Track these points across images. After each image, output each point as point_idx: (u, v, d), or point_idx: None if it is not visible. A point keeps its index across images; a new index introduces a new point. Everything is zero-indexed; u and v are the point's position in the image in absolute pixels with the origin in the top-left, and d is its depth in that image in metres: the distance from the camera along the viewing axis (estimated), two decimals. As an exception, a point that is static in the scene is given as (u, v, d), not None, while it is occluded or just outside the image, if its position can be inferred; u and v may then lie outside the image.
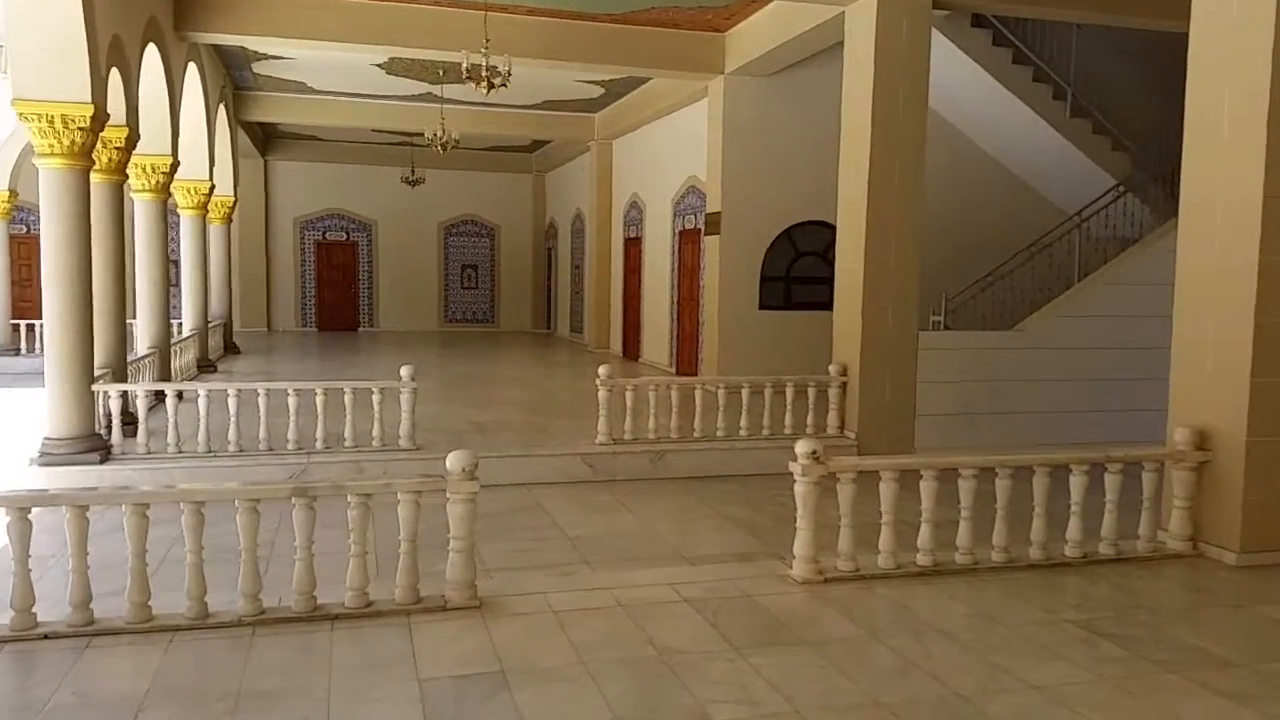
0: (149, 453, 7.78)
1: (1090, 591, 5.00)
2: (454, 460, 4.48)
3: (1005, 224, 13.15)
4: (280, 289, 23.19)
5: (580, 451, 8.45)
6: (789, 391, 9.12)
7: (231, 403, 7.89)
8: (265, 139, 22.36)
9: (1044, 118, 12.06)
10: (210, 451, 7.83)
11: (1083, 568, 5.29)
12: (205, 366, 14.12)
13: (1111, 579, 5.15)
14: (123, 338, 9.33)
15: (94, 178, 8.37)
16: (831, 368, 9.21)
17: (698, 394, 8.90)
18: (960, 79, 11.58)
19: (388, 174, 22.39)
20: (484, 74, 9.70)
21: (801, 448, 4.83)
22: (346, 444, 8.10)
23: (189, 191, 13.62)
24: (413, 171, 20.68)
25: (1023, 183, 13.59)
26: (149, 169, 10.57)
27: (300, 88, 16.44)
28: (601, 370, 8.61)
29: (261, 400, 7.99)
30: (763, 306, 12.87)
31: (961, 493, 5.13)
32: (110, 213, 9.21)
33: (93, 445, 7.61)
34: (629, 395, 8.70)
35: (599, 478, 8.38)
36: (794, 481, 4.94)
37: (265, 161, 22.72)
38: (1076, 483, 5.30)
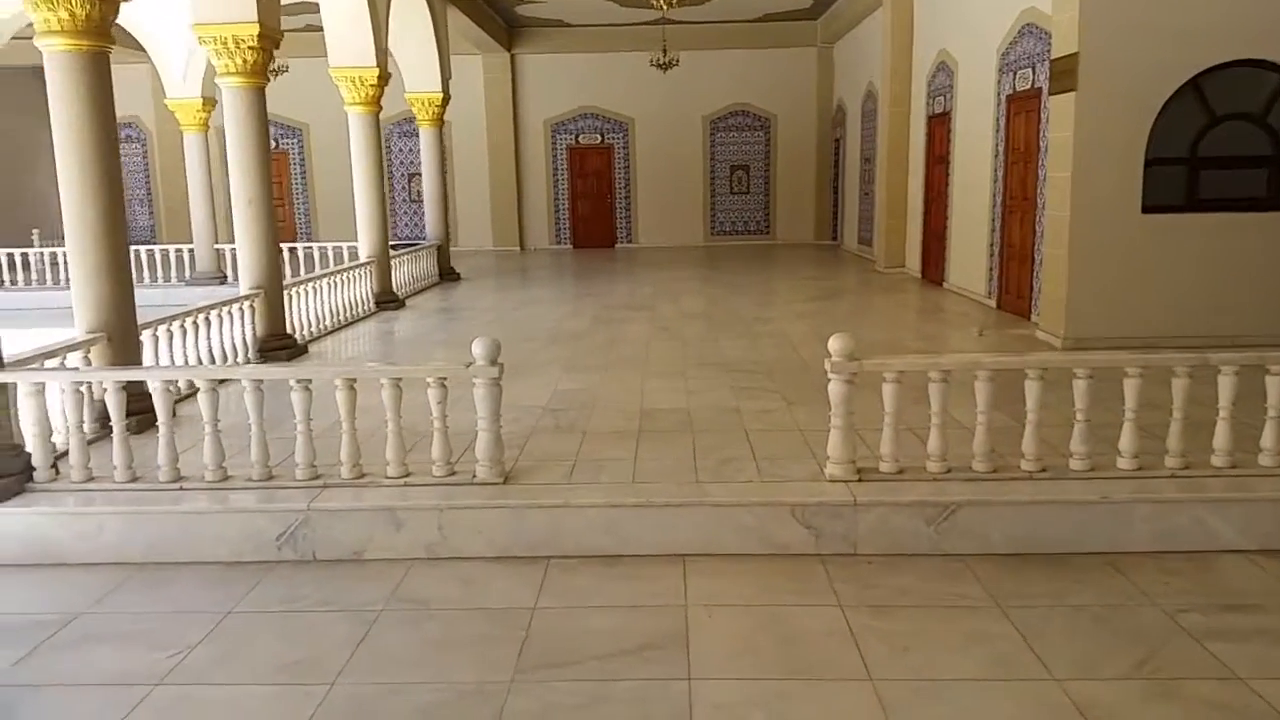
0: (88, 480, 4.85)
1: None
2: None
3: None
4: (532, 203, 20.69)
5: (791, 499, 4.48)
6: (1225, 382, 4.52)
7: (204, 402, 4.76)
8: (509, 30, 19.62)
9: None
10: (175, 481, 4.78)
11: None
12: (388, 303, 11.56)
13: None
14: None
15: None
16: (1325, 334, 4.45)
17: (1032, 387, 4.57)
18: None
19: (643, 61, 18.80)
20: None
21: None
22: (390, 471, 4.74)
23: (354, 83, 10.89)
24: (664, 53, 16.95)
25: None
26: (228, 41, 7.71)
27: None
28: (834, 343, 4.53)
29: (243, 398, 4.78)
30: (1148, 208, 7.90)
31: None
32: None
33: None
34: (889, 389, 4.57)
35: (824, 551, 4.41)
36: None
37: (512, 56, 20.02)
38: None
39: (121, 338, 5.95)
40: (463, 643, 3.69)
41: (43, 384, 4.77)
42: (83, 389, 4.84)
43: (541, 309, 11.52)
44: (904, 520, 4.40)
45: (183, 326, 7.02)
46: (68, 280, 6.04)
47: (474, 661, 3.53)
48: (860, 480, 4.57)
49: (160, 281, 15.29)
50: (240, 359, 7.89)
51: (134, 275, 14.93)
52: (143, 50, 14.64)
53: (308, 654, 3.65)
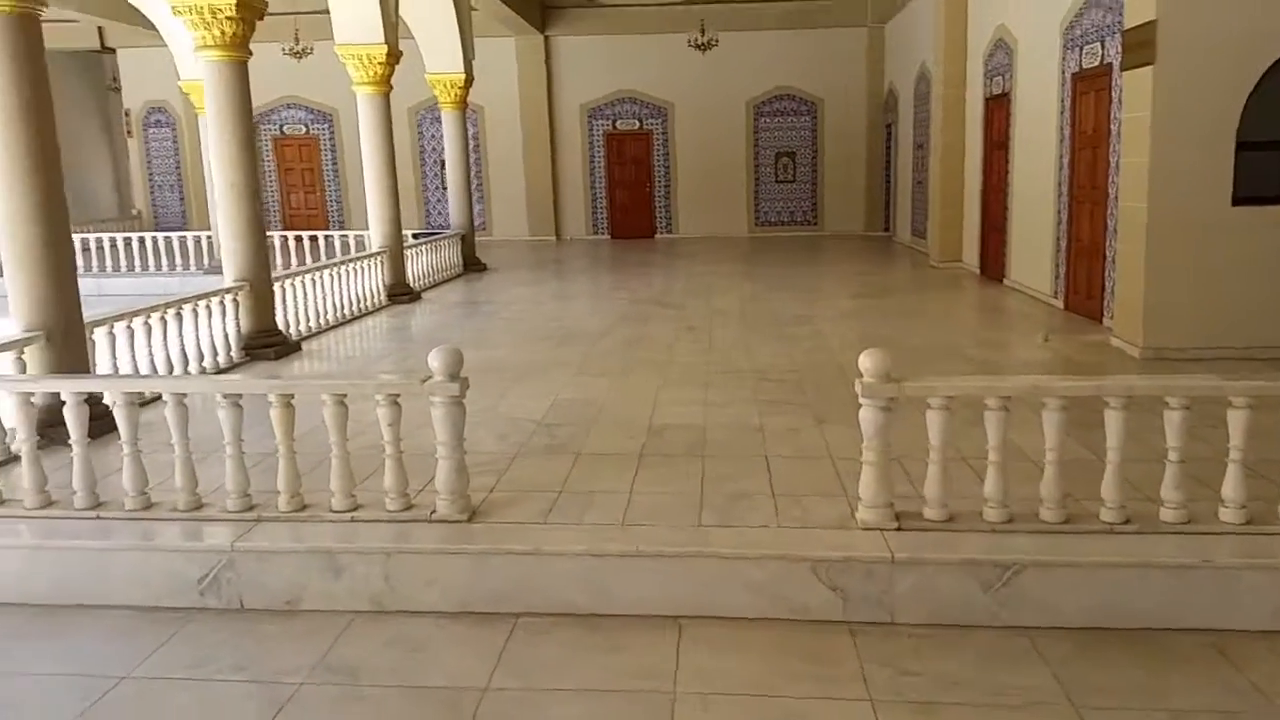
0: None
1: None
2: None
3: None
4: (569, 191, 19.91)
5: (813, 553, 3.65)
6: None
7: (121, 418, 4.06)
8: (543, 10, 18.86)
9: None
10: (92, 509, 4.10)
11: None
12: (401, 295, 10.88)
13: None
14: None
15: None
16: None
17: (1114, 418, 3.68)
18: None
19: (681, 42, 17.92)
20: None
21: None
22: (335, 504, 4.01)
23: (361, 61, 10.21)
24: (702, 32, 16.07)
25: None
26: (203, 11, 7.03)
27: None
28: (866, 361, 3.69)
29: (166, 414, 4.07)
30: (1240, 199, 6.88)
31: None
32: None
33: None
34: (936, 417, 3.71)
35: (853, 618, 3.58)
36: None
37: (546, 39, 19.25)
38: None
39: (63, 337, 5.29)
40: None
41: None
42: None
43: (565, 304, 10.77)
44: (953, 582, 3.55)
45: (146, 323, 6.36)
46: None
47: (394, 769, 2.78)
48: (899, 529, 3.73)
49: (180, 270, 14.88)
50: (223, 357, 7.26)
51: (153, 263, 14.82)
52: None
53: (197, 746, 2.93)
